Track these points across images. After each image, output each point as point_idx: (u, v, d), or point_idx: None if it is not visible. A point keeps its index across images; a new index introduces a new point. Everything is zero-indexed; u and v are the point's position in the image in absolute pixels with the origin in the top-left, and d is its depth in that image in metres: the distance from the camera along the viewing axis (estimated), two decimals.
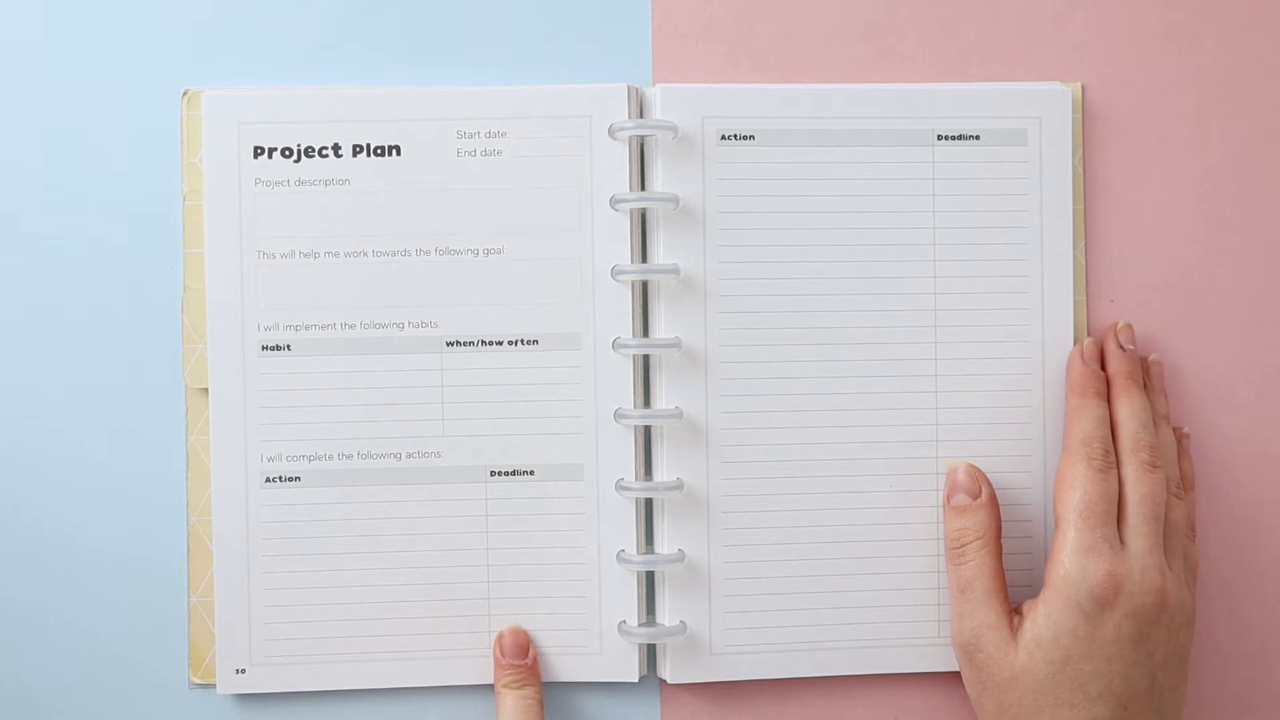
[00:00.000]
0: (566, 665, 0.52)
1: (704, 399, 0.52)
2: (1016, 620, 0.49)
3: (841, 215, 0.53)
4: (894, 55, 0.54)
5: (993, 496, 0.51)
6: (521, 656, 0.51)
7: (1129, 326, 0.53)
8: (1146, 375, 0.53)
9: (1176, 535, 0.50)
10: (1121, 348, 0.52)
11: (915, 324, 0.53)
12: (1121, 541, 0.49)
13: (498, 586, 0.52)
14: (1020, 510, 0.53)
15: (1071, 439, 0.51)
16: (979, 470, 0.52)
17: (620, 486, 0.52)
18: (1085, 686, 0.47)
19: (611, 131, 0.52)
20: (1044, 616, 0.48)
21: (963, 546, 0.51)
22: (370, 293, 0.52)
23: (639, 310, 0.53)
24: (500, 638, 0.52)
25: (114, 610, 0.52)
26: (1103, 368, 0.52)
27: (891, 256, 0.53)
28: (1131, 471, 0.50)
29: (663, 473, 0.52)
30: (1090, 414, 0.51)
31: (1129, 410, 0.51)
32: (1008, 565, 0.51)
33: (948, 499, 0.52)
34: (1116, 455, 0.50)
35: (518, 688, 0.50)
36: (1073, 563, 0.48)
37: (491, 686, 0.52)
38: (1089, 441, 0.50)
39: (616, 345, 0.52)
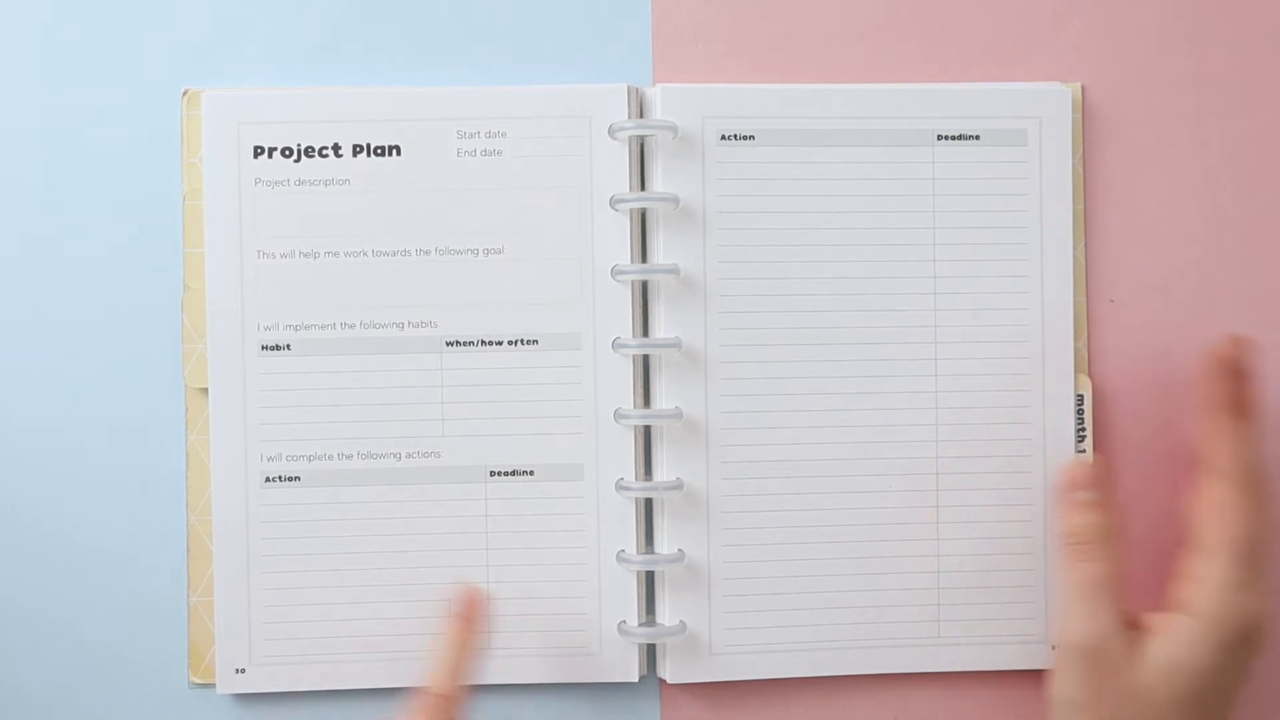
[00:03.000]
0: (566, 665, 0.52)
1: (704, 399, 0.52)
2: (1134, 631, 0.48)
3: (841, 215, 0.53)
4: (894, 55, 0.54)
5: (1115, 493, 0.51)
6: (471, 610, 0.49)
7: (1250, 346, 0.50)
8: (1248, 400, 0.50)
9: None
10: (1241, 371, 0.50)
11: (915, 324, 0.53)
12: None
13: (498, 587, 0.52)
14: (1019, 510, 0.53)
15: (1225, 462, 0.48)
16: (1106, 465, 0.52)
17: (620, 486, 0.52)
18: (1206, 715, 0.47)
19: (611, 131, 0.52)
20: (1187, 646, 0.47)
21: (1091, 544, 0.49)
22: (370, 293, 0.52)
23: (639, 310, 0.53)
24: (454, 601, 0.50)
25: (114, 610, 0.52)
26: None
27: (891, 256, 0.53)
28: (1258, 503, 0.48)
29: (662, 473, 0.52)
30: (1246, 438, 0.48)
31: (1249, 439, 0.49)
32: (1006, 566, 0.51)
33: (1067, 492, 0.51)
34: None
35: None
36: (1231, 598, 0.47)
37: (492, 686, 0.52)
38: (1249, 469, 0.48)
39: (616, 345, 0.52)
